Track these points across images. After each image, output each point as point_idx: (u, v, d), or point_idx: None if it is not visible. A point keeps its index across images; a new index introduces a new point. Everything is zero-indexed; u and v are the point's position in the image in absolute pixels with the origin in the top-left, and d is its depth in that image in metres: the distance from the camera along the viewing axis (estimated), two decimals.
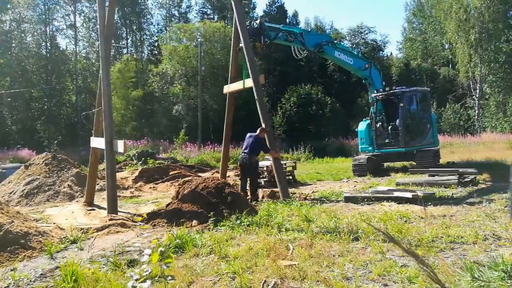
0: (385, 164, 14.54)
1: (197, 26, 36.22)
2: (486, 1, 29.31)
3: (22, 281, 3.92)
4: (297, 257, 4.24)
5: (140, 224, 6.45)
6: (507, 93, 30.73)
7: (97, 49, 35.33)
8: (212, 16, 45.20)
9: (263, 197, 8.98)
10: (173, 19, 47.48)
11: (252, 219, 5.97)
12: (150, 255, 4.14)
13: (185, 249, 4.76)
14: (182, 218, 6.34)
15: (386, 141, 13.31)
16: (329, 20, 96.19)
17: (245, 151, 8.63)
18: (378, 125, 13.50)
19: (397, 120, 13.03)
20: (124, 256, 4.62)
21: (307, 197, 8.69)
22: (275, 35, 11.74)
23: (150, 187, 12.76)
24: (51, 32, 38.00)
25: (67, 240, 5.39)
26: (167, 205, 6.99)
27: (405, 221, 5.79)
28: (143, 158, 17.78)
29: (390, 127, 13.30)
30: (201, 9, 48.14)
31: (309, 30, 13.37)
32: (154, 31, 46.57)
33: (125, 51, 43.58)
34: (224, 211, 6.33)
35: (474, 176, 9.88)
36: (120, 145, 7.76)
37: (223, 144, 11.88)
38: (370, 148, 13.80)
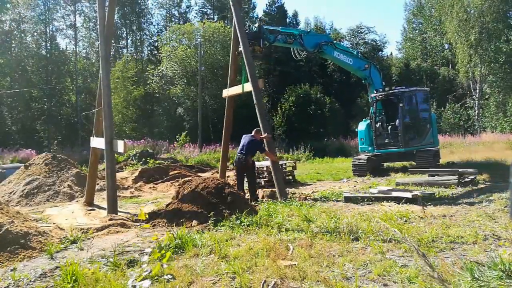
0: (385, 164, 14.55)
1: (196, 27, 36.23)
2: (486, 1, 29.31)
3: (22, 281, 3.92)
4: (297, 257, 4.24)
5: (140, 224, 6.44)
6: (507, 93, 30.73)
7: (97, 49, 35.33)
8: (212, 16, 45.21)
9: (263, 197, 8.98)
10: (173, 19, 47.49)
11: (252, 219, 5.97)
12: (150, 255, 4.16)
13: (185, 249, 4.76)
14: (182, 218, 6.34)
15: (386, 141, 13.32)
16: (329, 20, 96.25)
17: (241, 151, 8.64)
18: (377, 125, 13.50)
19: (397, 120, 13.03)
20: (124, 256, 4.62)
21: (307, 197, 8.69)
22: (274, 38, 11.76)
23: (150, 187, 12.76)
24: (51, 32, 38.01)
25: (67, 240, 5.39)
26: (167, 205, 6.99)
27: (405, 221, 5.79)
28: (143, 158, 17.80)
29: (389, 127, 13.30)
30: (201, 9, 48.18)
31: (308, 31, 13.32)
32: (154, 31, 46.63)
33: (125, 51, 43.61)
34: (224, 211, 6.33)
35: (474, 176, 9.88)
36: (120, 145, 7.76)
37: (222, 144, 11.90)
38: (370, 148, 13.80)
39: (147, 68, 38.13)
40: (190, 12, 49.08)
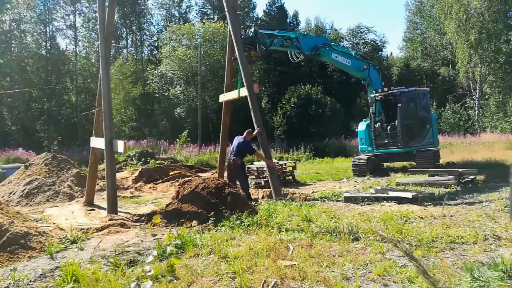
0: (385, 164, 14.54)
1: (196, 27, 36.21)
2: (486, 1, 29.31)
3: (22, 281, 3.92)
4: (297, 257, 4.24)
5: (138, 225, 6.44)
6: (507, 93, 30.74)
7: (97, 49, 35.31)
8: (212, 16, 45.18)
9: (263, 197, 8.99)
10: (173, 19, 47.48)
11: (252, 219, 5.96)
12: (155, 256, 4.16)
13: (185, 249, 4.76)
14: (182, 218, 6.34)
15: (385, 141, 13.32)
16: (330, 21, 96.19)
17: (232, 153, 8.79)
18: (377, 125, 13.50)
19: (396, 121, 13.02)
20: (124, 256, 4.62)
21: (307, 197, 8.69)
22: (270, 42, 11.79)
23: (150, 187, 12.76)
24: (51, 32, 38.00)
25: (67, 240, 5.39)
26: (167, 205, 6.99)
27: (405, 221, 5.79)
28: (143, 158, 17.79)
29: (389, 127, 13.30)
30: (201, 9, 48.14)
31: (305, 33, 13.22)
32: (154, 31, 46.62)
33: (125, 51, 43.60)
34: (224, 211, 6.33)
35: (474, 176, 9.88)
36: (120, 145, 7.77)
37: (220, 146, 11.93)
38: (369, 148, 13.80)
39: (147, 68, 38.14)
40: (190, 12, 49.11)
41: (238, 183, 8.83)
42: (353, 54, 14.29)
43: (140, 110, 35.96)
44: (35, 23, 36.62)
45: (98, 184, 10.94)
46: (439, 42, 40.27)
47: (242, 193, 8.33)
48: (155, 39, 44.09)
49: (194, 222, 6.16)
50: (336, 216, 6.13)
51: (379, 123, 13.57)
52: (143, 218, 6.85)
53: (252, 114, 9.13)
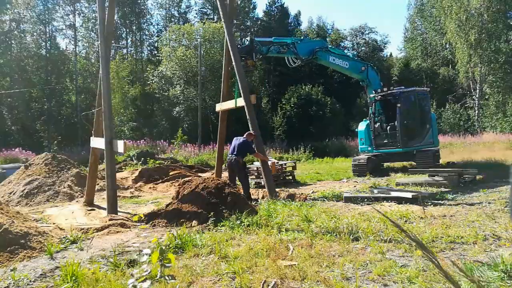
0: (385, 164, 14.55)
1: (196, 27, 36.21)
2: (486, 1, 29.32)
3: (22, 281, 3.92)
4: (297, 257, 4.24)
5: (138, 224, 6.44)
6: (507, 93, 30.75)
7: (97, 49, 35.32)
8: (212, 16, 45.19)
9: (263, 197, 9.00)
10: (172, 19, 47.49)
11: (252, 219, 5.96)
12: (149, 255, 4.15)
13: (185, 249, 4.76)
14: (182, 218, 6.34)
15: (385, 141, 13.32)
16: (330, 20, 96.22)
17: (233, 153, 8.81)
18: (377, 126, 13.50)
19: (396, 121, 13.02)
20: (124, 256, 4.62)
21: (307, 197, 8.70)
22: (267, 50, 11.85)
23: (150, 187, 12.76)
24: (50, 32, 38.01)
25: (67, 240, 5.39)
26: (167, 205, 6.99)
27: (405, 221, 5.79)
28: (142, 158, 17.79)
29: (388, 127, 13.30)
30: (201, 9, 48.16)
31: (302, 38, 13.19)
32: (153, 31, 46.63)
33: (124, 51, 43.59)
34: (224, 211, 6.32)
35: (474, 176, 9.88)
36: (120, 145, 7.77)
37: (217, 146, 11.97)
38: (369, 149, 13.81)
39: (147, 69, 38.12)
40: (190, 12, 49.14)
41: (238, 183, 8.84)
42: (351, 56, 14.26)
43: (140, 110, 35.95)
44: (34, 23, 36.62)
45: (98, 184, 10.95)
46: (439, 42, 40.28)
47: (242, 193, 8.38)
48: (155, 39, 44.10)
49: (194, 222, 6.16)
50: (336, 216, 6.13)
51: (379, 123, 13.57)
52: (143, 218, 6.84)
53: (249, 123, 9.25)
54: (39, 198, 10.08)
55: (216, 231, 5.69)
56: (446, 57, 40.96)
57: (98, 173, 10.90)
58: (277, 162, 12.87)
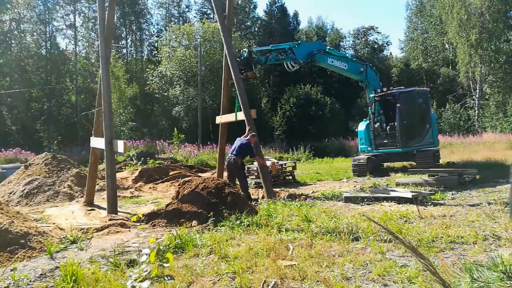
0: (385, 164, 14.55)
1: (196, 27, 36.20)
2: (486, 1, 29.32)
3: (22, 281, 3.92)
4: (297, 257, 4.24)
5: (138, 224, 6.44)
6: (507, 93, 30.76)
7: (97, 49, 35.30)
8: (212, 16, 45.18)
9: (263, 197, 9.00)
10: (172, 19, 47.50)
11: (252, 219, 5.96)
12: (148, 255, 4.16)
13: (185, 249, 4.76)
14: (182, 218, 6.33)
15: (385, 141, 13.32)
16: (330, 20, 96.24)
17: (233, 153, 8.85)
18: (376, 126, 13.50)
19: (396, 121, 13.01)
20: (124, 256, 4.61)
21: (307, 197, 8.70)
22: (265, 59, 11.93)
23: (150, 187, 12.76)
24: (50, 32, 38.01)
25: (67, 240, 5.39)
26: (167, 205, 6.99)
27: (405, 221, 5.79)
28: (142, 158, 17.79)
29: (388, 127, 13.30)
30: (200, 8, 48.18)
31: (299, 42, 13.16)
32: (153, 31, 46.63)
33: (124, 51, 43.59)
34: (224, 211, 6.32)
35: (474, 176, 9.88)
36: (120, 145, 7.77)
37: (218, 146, 11.99)
38: (369, 149, 13.80)
39: (147, 69, 38.11)
40: (189, 12, 49.16)
41: (237, 183, 8.86)
42: (349, 57, 14.25)
43: (139, 110, 35.94)
44: (35, 23, 36.64)
45: (98, 184, 10.95)
46: (439, 42, 40.31)
47: (242, 193, 8.39)
48: (155, 39, 44.10)
49: (194, 222, 6.16)
50: (336, 216, 6.13)
51: (379, 123, 13.57)
52: (143, 218, 6.84)
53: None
54: (39, 198, 10.08)
55: (216, 231, 5.69)
56: (446, 57, 40.99)
57: (98, 173, 10.90)
58: (277, 162, 12.87)
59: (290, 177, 12.43)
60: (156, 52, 40.13)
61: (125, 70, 34.92)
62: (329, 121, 32.25)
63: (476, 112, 32.46)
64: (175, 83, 34.35)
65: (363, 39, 45.15)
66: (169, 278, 3.75)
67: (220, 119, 11.27)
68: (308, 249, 4.50)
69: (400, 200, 7.40)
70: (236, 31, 38.62)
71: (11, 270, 4.16)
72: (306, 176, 13.72)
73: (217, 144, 13.24)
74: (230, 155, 8.93)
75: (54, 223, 6.78)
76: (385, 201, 7.50)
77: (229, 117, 10.81)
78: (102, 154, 8.73)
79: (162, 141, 27.14)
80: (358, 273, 3.74)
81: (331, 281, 3.52)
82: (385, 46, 46.60)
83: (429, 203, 7.24)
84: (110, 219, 6.77)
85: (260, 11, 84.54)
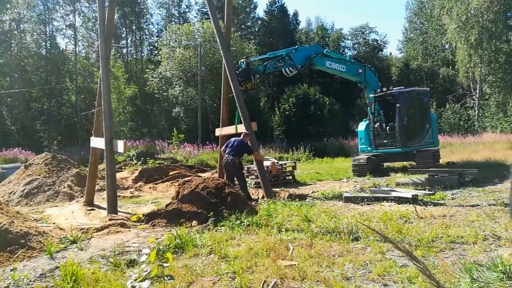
0: (385, 164, 14.55)
1: (196, 27, 36.17)
2: (486, 1, 29.32)
3: (22, 281, 3.92)
4: (297, 257, 4.24)
5: (138, 224, 6.44)
6: (507, 93, 30.76)
7: (97, 49, 35.29)
8: None
9: (263, 197, 9.00)
10: (172, 19, 47.48)
11: (252, 219, 5.96)
12: (148, 255, 4.16)
13: (185, 249, 4.76)
14: (182, 218, 6.33)
15: (385, 141, 13.32)
16: (330, 20, 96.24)
17: (230, 153, 8.85)
18: (376, 126, 13.50)
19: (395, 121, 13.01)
20: (124, 256, 4.62)
21: (307, 197, 8.70)
22: (264, 68, 11.97)
23: (150, 187, 12.76)
24: (50, 32, 38.01)
25: (67, 240, 5.39)
26: (167, 205, 6.99)
27: (405, 221, 5.79)
28: (142, 158, 17.79)
29: (388, 127, 13.30)
30: (201, 9, 48.13)
31: (296, 47, 13.09)
32: (153, 31, 46.61)
33: (124, 51, 43.58)
34: (224, 211, 6.32)
35: (474, 176, 9.88)
36: (120, 145, 7.77)
37: (219, 146, 12.00)
38: (369, 149, 13.81)
39: (147, 69, 38.09)
40: (190, 12, 49.14)
41: (236, 183, 8.86)
42: (348, 59, 14.22)
43: (139, 110, 35.94)
44: (35, 23, 36.62)
45: (98, 184, 10.95)
46: (439, 42, 40.29)
47: (241, 193, 8.39)
48: (155, 39, 44.08)
49: (194, 222, 6.16)
50: (336, 216, 6.14)
51: (379, 123, 13.57)
52: (143, 218, 6.84)
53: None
54: (39, 198, 10.08)
55: (216, 231, 5.69)
56: (446, 57, 40.99)
57: (98, 173, 10.90)
58: (277, 162, 12.88)
59: (290, 177, 12.43)
60: (156, 52, 40.15)
61: (124, 70, 34.94)
62: (328, 121, 32.25)
63: (476, 112, 32.46)
64: (174, 83, 34.32)
65: (362, 38, 45.15)
66: (169, 278, 3.75)
67: (220, 131, 11.32)
68: (308, 249, 4.50)
69: (400, 200, 7.40)
70: (236, 31, 38.63)
71: (11, 270, 4.16)
72: (306, 176, 13.72)
73: (217, 144, 13.25)
74: (227, 155, 8.92)
75: (54, 223, 6.78)
76: (385, 201, 7.50)
77: (229, 129, 10.86)
78: (102, 154, 8.73)
79: (162, 141, 27.14)
80: (358, 273, 3.74)
81: (331, 281, 3.52)
82: (384, 45, 46.63)
83: (429, 203, 7.24)
84: (110, 219, 6.77)
85: (260, 11, 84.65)
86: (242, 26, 45.70)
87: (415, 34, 45.54)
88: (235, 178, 8.90)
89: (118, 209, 7.87)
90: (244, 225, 5.74)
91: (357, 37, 45.74)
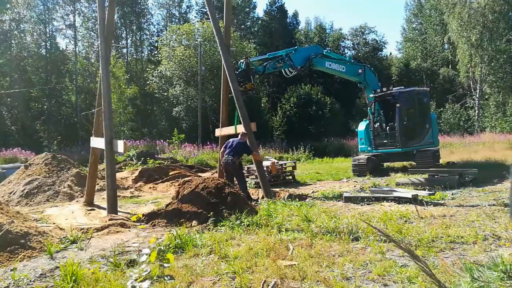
0: (385, 164, 14.55)
1: (196, 27, 36.15)
2: (488, 1, 29.31)
3: (22, 281, 3.92)
4: (297, 257, 4.24)
5: (138, 224, 6.44)
6: (507, 93, 30.76)
7: (97, 49, 35.29)
8: None
9: (263, 197, 9.00)
10: (173, 19, 47.45)
11: (252, 219, 5.96)
12: (148, 255, 4.16)
13: (185, 249, 4.76)
14: (182, 218, 6.33)
15: (384, 141, 13.32)
16: (329, 20, 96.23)
17: (230, 154, 8.85)
18: (376, 126, 13.50)
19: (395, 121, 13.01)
20: (124, 256, 4.61)
21: (307, 197, 8.70)
22: (263, 68, 11.94)
23: (150, 187, 12.75)
24: (50, 32, 38.00)
25: (67, 240, 5.39)
26: (167, 205, 6.99)
27: (405, 221, 5.79)
28: (142, 158, 17.79)
29: (388, 127, 13.30)
30: (201, 9, 48.11)
31: (296, 48, 13.07)
32: (154, 31, 46.58)
33: (124, 51, 43.57)
34: (224, 211, 6.32)
35: (474, 176, 9.88)
36: (120, 145, 7.77)
37: (219, 146, 12.01)
38: (369, 148, 13.81)
39: (147, 69, 38.08)
40: (190, 12, 49.11)
41: (236, 183, 8.86)
42: (347, 59, 14.16)
43: (139, 110, 35.93)
44: (34, 23, 36.62)
45: (98, 184, 10.95)
46: (439, 42, 40.28)
47: (241, 193, 8.39)
48: (155, 39, 44.07)
49: (194, 222, 6.16)
50: (336, 216, 6.13)
51: (378, 123, 13.57)
52: (142, 218, 6.84)
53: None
54: (39, 198, 10.08)
55: (216, 231, 5.69)
56: (446, 57, 40.98)
57: (98, 173, 10.90)
58: (277, 162, 12.88)
59: (290, 177, 12.43)
60: (156, 52, 40.16)
61: (124, 70, 34.94)
62: (329, 121, 32.25)
63: (476, 112, 32.45)
64: (175, 83, 34.32)
65: (361, 38, 45.14)
66: (169, 278, 3.75)
67: (220, 131, 11.34)
68: (308, 249, 4.50)
69: (400, 200, 7.40)
70: (236, 31, 38.60)
71: (11, 270, 4.16)
72: (306, 176, 13.71)
73: (217, 144, 13.26)
74: (226, 156, 8.92)
75: (54, 223, 6.78)
76: (385, 201, 7.50)
77: (229, 130, 10.87)
78: (102, 154, 8.73)
79: (162, 141, 27.14)
80: (358, 273, 3.74)
81: (331, 281, 3.52)
82: (383, 45, 46.61)
83: (429, 203, 7.24)
84: (110, 219, 6.77)
85: (260, 11, 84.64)
86: (242, 26, 45.68)
87: (414, 34, 45.52)
88: (235, 178, 8.91)
89: (118, 209, 7.87)
90: (244, 225, 5.74)
91: (357, 37, 45.71)
